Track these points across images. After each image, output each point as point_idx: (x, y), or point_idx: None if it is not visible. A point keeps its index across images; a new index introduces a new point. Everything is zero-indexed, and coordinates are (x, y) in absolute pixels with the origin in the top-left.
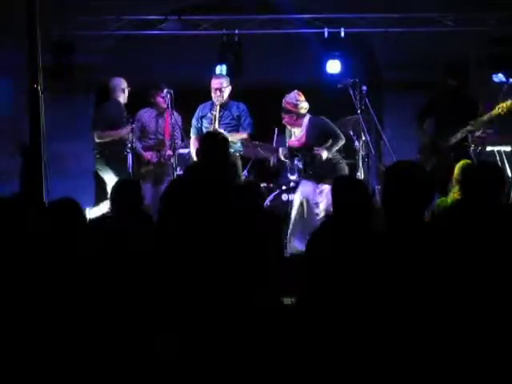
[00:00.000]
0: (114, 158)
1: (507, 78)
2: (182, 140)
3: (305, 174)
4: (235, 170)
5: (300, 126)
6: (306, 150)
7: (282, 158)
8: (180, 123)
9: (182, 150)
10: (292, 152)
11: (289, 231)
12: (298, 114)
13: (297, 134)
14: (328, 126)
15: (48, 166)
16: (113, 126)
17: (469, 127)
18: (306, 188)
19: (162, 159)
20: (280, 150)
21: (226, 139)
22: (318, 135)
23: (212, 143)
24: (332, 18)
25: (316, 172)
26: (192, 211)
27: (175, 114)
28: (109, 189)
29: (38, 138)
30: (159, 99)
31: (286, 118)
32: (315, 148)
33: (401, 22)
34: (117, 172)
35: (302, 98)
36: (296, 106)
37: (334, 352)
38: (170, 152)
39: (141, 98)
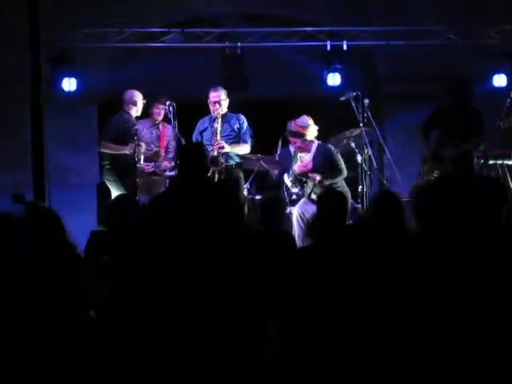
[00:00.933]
0: (124, 170)
1: (509, 84)
2: None
3: (308, 199)
4: (238, 183)
5: (310, 151)
6: (304, 180)
7: (289, 185)
8: (173, 136)
9: None
10: (298, 178)
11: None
12: (309, 138)
13: (304, 160)
14: (334, 157)
15: (50, 179)
16: (116, 139)
17: (474, 141)
18: (306, 205)
19: (157, 170)
20: (285, 176)
21: (203, 151)
22: (323, 164)
23: (189, 156)
24: (334, 31)
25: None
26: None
27: (168, 127)
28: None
29: (40, 151)
30: (155, 110)
31: (298, 143)
32: (309, 174)
33: (402, 35)
34: (125, 184)
35: (312, 121)
36: (307, 128)
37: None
38: (166, 163)
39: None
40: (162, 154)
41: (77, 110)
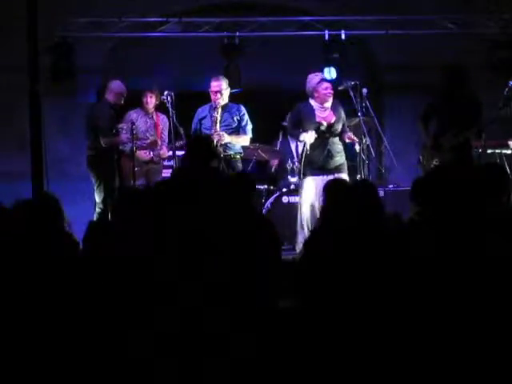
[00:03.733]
0: (108, 159)
1: None
2: (170, 142)
3: (319, 164)
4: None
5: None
6: (331, 132)
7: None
8: (167, 125)
9: (181, 152)
10: (319, 133)
11: (298, 230)
12: None
13: (324, 113)
14: (343, 110)
15: (48, 168)
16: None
17: (473, 130)
18: (317, 185)
19: (155, 158)
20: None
21: (210, 142)
22: (341, 116)
23: (196, 146)
24: (332, 20)
25: (329, 162)
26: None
27: (162, 116)
28: (96, 190)
29: (39, 140)
30: (145, 99)
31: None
32: (347, 133)
33: (401, 24)
34: (105, 174)
35: None
36: None
37: (334, 356)
38: (164, 150)
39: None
40: (159, 142)
41: (74, 99)
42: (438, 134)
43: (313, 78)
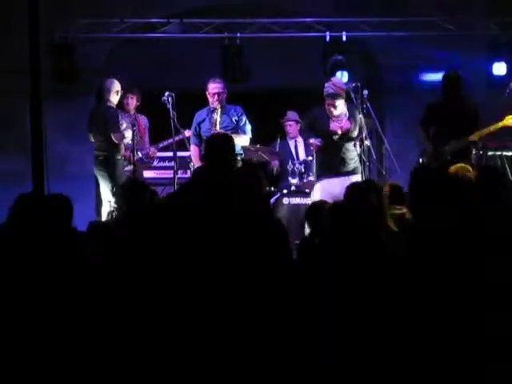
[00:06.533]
0: (116, 162)
1: (508, 73)
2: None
3: (332, 169)
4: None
5: (344, 110)
6: (345, 139)
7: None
8: (148, 126)
9: (182, 153)
10: (332, 139)
11: None
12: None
13: (338, 119)
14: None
15: (48, 168)
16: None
17: (470, 138)
18: (333, 187)
19: (144, 158)
20: (313, 140)
21: (231, 139)
22: (355, 122)
23: (218, 145)
24: (333, 21)
25: (342, 168)
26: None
27: (142, 117)
28: (104, 192)
29: (40, 140)
30: (126, 101)
31: (342, 104)
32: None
33: (402, 25)
34: (115, 176)
35: None
36: (344, 88)
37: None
38: (153, 150)
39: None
40: (145, 141)
41: (76, 100)
42: (437, 139)
43: (325, 87)
